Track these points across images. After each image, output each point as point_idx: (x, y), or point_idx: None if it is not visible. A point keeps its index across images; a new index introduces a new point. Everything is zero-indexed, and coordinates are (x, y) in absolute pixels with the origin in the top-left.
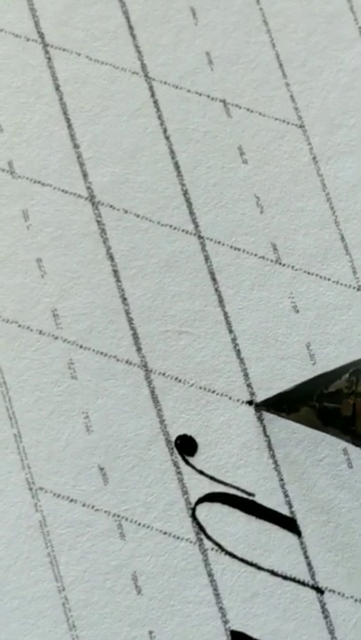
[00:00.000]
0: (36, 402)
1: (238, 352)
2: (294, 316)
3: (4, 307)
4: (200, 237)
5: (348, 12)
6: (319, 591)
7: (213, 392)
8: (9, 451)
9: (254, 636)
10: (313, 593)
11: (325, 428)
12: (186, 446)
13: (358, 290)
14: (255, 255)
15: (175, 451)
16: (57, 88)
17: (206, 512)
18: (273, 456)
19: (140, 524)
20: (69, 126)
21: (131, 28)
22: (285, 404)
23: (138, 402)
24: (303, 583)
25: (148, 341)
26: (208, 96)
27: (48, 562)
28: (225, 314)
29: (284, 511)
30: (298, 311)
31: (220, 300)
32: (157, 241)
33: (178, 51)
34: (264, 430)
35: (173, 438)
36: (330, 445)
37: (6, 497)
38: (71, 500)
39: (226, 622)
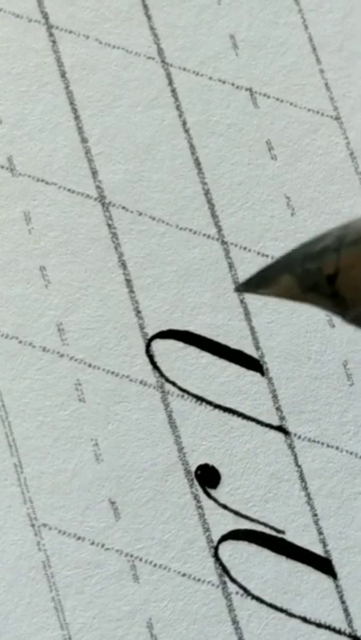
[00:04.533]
0: (38, 427)
1: (267, 371)
2: (330, 331)
3: (3, 320)
4: (223, 243)
5: None
6: None
7: (238, 416)
8: (8, 482)
9: None
10: None
11: (305, 297)
12: (207, 477)
13: None
14: None
15: (195, 482)
16: (63, 75)
17: (230, 551)
18: (305, 488)
19: (155, 565)
20: (76, 118)
21: (145, 7)
22: (268, 280)
23: (153, 427)
24: (339, 631)
25: (165, 359)
26: (232, 84)
27: (52, 607)
28: (251, 328)
29: (318, 550)
30: (334, 325)
31: (247, 313)
32: (175, 247)
33: (198, 33)
34: (295, 459)
35: (193, 468)
36: None
37: (6, 534)
38: (78, 538)
39: None
